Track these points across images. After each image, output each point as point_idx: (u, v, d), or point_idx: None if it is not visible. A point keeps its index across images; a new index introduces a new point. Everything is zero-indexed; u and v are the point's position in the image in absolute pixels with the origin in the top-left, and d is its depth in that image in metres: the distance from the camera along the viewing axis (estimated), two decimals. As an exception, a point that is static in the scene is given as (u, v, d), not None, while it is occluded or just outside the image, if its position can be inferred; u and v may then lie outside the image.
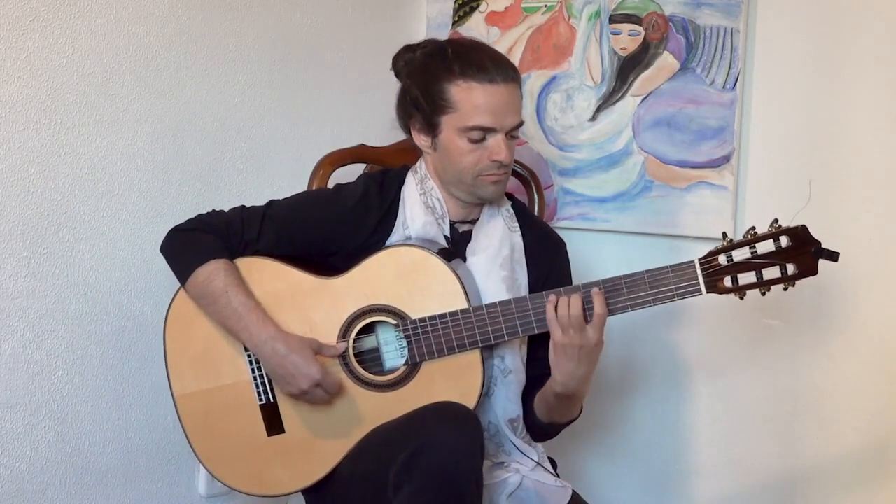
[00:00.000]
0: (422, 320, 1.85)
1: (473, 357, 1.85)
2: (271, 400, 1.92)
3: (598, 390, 2.43)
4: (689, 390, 2.43)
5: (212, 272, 1.87)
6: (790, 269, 1.76)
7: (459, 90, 1.84)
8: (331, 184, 2.10)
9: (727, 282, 1.78)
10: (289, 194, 2.02)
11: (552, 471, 1.97)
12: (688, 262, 1.79)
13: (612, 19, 2.42)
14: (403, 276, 1.86)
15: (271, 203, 1.97)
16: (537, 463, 1.94)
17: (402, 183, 1.97)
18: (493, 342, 1.85)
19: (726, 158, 2.29)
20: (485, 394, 1.88)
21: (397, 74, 1.97)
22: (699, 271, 1.78)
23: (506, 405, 1.92)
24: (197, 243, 1.91)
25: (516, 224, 1.99)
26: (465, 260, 1.93)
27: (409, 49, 1.96)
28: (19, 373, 1.99)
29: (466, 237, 1.96)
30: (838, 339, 2.23)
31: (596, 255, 2.46)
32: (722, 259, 1.77)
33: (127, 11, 2.09)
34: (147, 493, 2.22)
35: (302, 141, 2.44)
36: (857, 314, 2.20)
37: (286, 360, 1.83)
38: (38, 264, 2.00)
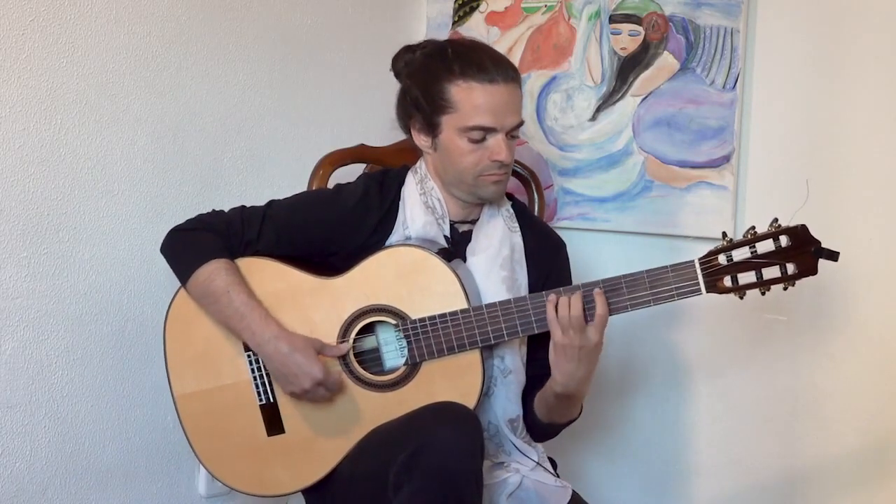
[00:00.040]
0: (422, 320, 1.84)
1: (473, 357, 1.85)
2: (271, 400, 1.92)
3: (598, 390, 2.43)
4: (689, 390, 2.43)
5: (213, 272, 1.87)
6: (790, 268, 1.76)
7: (460, 90, 1.84)
8: (331, 184, 2.10)
9: (727, 281, 1.78)
10: (289, 194, 2.02)
11: (552, 471, 1.97)
12: (688, 262, 1.79)
13: (612, 19, 2.42)
14: (403, 276, 1.86)
15: (271, 203, 1.97)
16: (537, 463, 1.94)
17: (402, 183, 1.97)
18: (492, 342, 1.85)
19: (726, 158, 2.29)
20: (485, 394, 1.88)
21: (397, 75, 1.97)
22: (699, 271, 1.78)
23: (506, 405, 1.92)
24: (197, 243, 1.91)
25: (516, 224, 1.99)
26: (465, 260, 1.93)
27: (408, 49, 1.96)
28: (19, 373, 1.99)
29: (466, 237, 1.96)
30: (838, 339, 2.23)
31: (596, 255, 2.46)
32: (722, 259, 1.77)
33: (127, 11, 2.09)
34: (147, 493, 2.22)
35: (302, 141, 2.44)
36: (857, 314, 2.20)
37: (289, 359, 1.83)
38: (38, 264, 2.00)
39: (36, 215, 1.98)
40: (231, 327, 1.88)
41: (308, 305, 1.89)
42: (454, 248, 1.93)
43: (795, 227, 1.74)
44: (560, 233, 2.10)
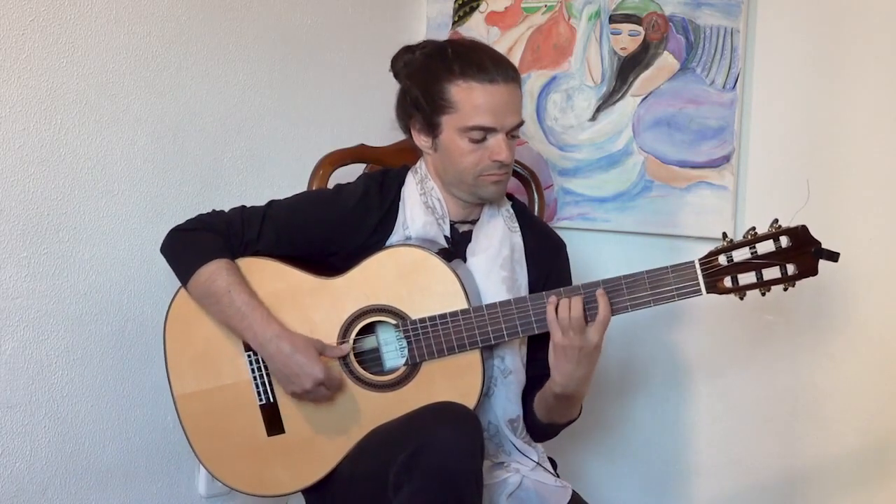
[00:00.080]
0: (422, 320, 1.84)
1: (473, 357, 1.85)
2: (271, 400, 1.92)
3: (598, 390, 2.43)
4: (689, 390, 2.43)
5: (214, 271, 1.87)
6: (790, 269, 1.76)
7: (460, 90, 1.84)
8: (331, 184, 2.10)
9: (727, 282, 1.78)
10: (289, 194, 2.02)
11: (552, 471, 1.97)
12: (688, 263, 1.79)
13: (612, 19, 2.42)
14: (403, 276, 1.86)
15: (271, 203, 1.97)
16: (537, 463, 1.94)
17: (402, 183, 1.97)
18: (493, 342, 1.85)
19: (726, 158, 2.29)
20: (485, 394, 1.88)
21: (396, 76, 1.97)
22: (699, 271, 1.78)
23: (506, 405, 1.92)
24: (198, 243, 1.91)
25: (516, 224, 1.99)
26: (465, 260, 1.93)
27: (408, 50, 1.96)
28: (19, 373, 1.99)
29: (466, 237, 1.96)
30: (838, 339, 2.23)
31: (596, 255, 2.46)
32: (722, 259, 1.77)
33: (127, 11, 2.09)
34: (147, 493, 2.22)
35: (302, 141, 2.44)
36: (857, 314, 2.20)
37: (291, 359, 1.83)
38: (38, 264, 2.00)
39: (36, 215, 1.98)
40: (232, 327, 1.88)
41: (308, 305, 1.89)
42: (454, 249, 1.93)
43: (796, 228, 1.74)
44: (560, 233, 2.10)
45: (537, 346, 1.91)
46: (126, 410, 2.16)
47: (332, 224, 1.93)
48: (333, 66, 2.51)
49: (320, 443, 1.91)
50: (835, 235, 1.82)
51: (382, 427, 1.85)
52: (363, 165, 2.26)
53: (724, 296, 1.79)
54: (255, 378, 1.92)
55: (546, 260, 2.00)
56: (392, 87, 1.98)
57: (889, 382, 2.18)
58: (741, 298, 1.79)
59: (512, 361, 1.91)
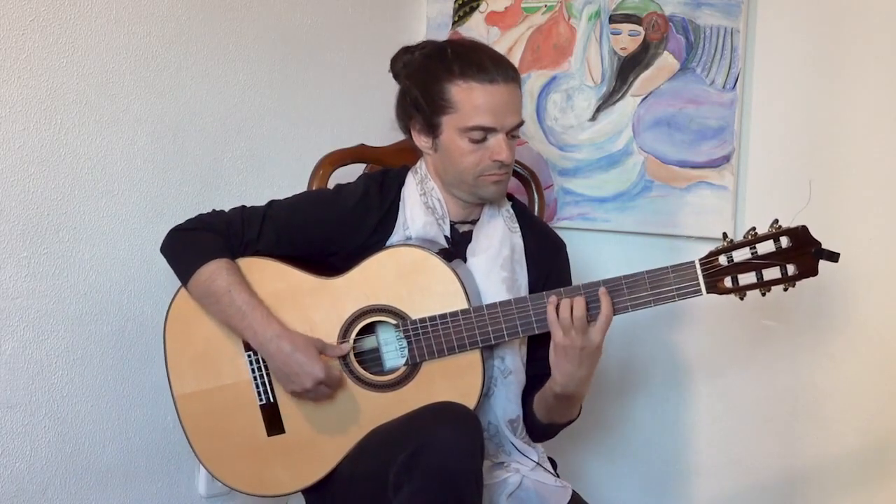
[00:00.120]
0: (422, 320, 1.84)
1: (474, 357, 1.85)
2: (271, 400, 1.92)
3: (598, 390, 2.43)
4: (689, 390, 2.43)
5: (214, 271, 1.87)
6: (790, 269, 1.76)
7: (460, 90, 1.84)
8: (331, 184, 2.10)
9: (727, 282, 1.78)
10: (289, 194, 2.02)
11: (552, 471, 1.97)
12: (688, 263, 1.79)
13: (612, 19, 2.42)
14: (404, 276, 1.86)
15: (272, 203, 1.97)
16: (537, 463, 1.94)
17: (402, 183, 1.97)
18: (493, 342, 1.85)
19: (726, 158, 2.29)
20: (484, 394, 1.88)
21: (396, 76, 1.97)
22: (699, 272, 1.78)
23: (506, 406, 1.92)
24: (198, 243, 1.91)
25: (516, 224, 1.99)
26: (465, 260, 1.93)
27: (407, 51, 1.96)
28: (19, 373, 1.99)
29: (467, 237, 1.96)
30: (838, 339, 2.23)
31: (596, 255, 2.46)
32: (722, 259, 1.77)
33: (127, 11, 2.09)
34: (147, 493, 2.22)
35: (302, 141, 2.44)
36: (857, 314, 2.20)
37: (291, 358, 1.83)
38: (38, 264, 2.00)
39: (36, 215, 1.98)
40: (233, 326, 1.88)
41: (308, 305, 1.89)
42: (454, 249, 1.93)
43: (796, 228, 1.74)
44: (560, 233, 2.10)
45: (537, 346, 1.91)
46: (126, 410, 2.16)
47: (333, 224, 1.93)
48: (333, 66, 2.51)
49: (320, 443, 1.91)
50: (835, 236, 1.82)
51: (382, 427, 1.85)
52: (363, 165, 2.26)
53: (724, 296, 1.79)
54: (255, 378, 1.92)
55: (546, 260, 2.00)
56: (392, 86, 1.98)
57: (889, 382, 2.18)
58: (741, 299, 1.79)
59: (512, 361, 1.91)
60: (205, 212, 1.97)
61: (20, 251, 1.97)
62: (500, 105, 1.84)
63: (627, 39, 2.40)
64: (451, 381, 1.86)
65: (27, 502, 2.01)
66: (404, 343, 1.87)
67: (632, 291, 1.80)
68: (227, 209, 1.97)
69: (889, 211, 2.16)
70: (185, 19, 2.20)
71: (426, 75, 1.88)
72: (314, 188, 2.17)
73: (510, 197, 2.04)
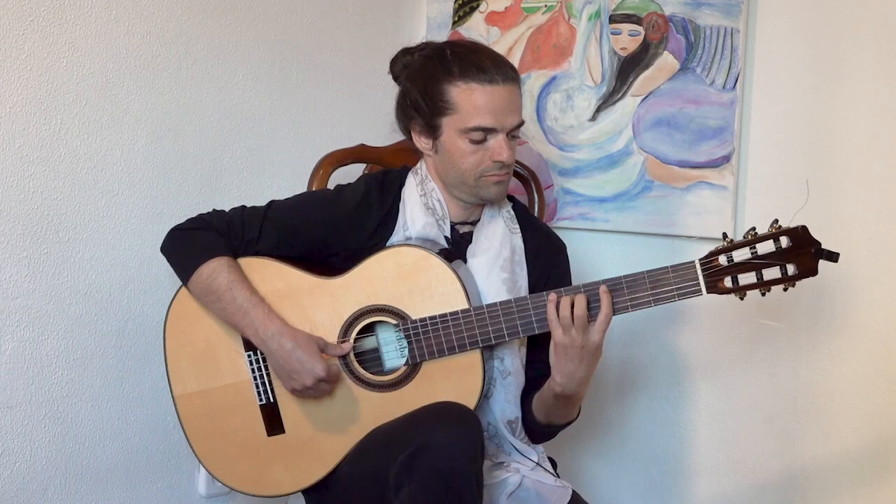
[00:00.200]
0: (422, 320, 1.85)
1: (474, 357, 1.85)
2: (271, 400, 1.92)
3: (598, 390, 2.44)
4: (689, 390, 2.43)
5: (215, 269, 1.87)
6: (790, 269, 1.76)
7: (459, 91, 1.84)
8: (331, 184, 2.10)
9: (727, 282, 1.78)
10: (289, 194, 2.02)
11: (552, 471, 1.97)
12: (688, 263, 1.79)
13: (612, 19, 2.42)
14: (404, 276, 1.86)
15: (272, 203, 1.97)
16: (537, 463, 1.94)
17: (402, 184, 1.97)
18: (493, 342, 1.85)
19: (726, 158, 2.29)
20: (484, 395, 1.88)
21: (396, 78, 1.97)
22: (699, 272, 1.78)
23: (504, 407, 1.92)
24: (199, 241, 1.91)
25: (517, 225, 1.99)
26: (465, 261, 1.93)
27: (406, 52, 1.96)
28: (19, 373, 1.99)
29: (467, 238, 1.96)
30: (838, 339, 2.23)
31: (596, 255, 2.46)
32: (722, 259, 1.77)
33: (127, 11, 2.09)
34: (147, 493, 2.22)
35: (302, 141, 2.44)
36: (857, 314, 2.20)
37: (292, 355, 1.83)
38: (38, 264, 2.00)
39: (36, 215, 1.98)
40: (234, 324, 1.88)
41: (308, 305, 1.89)
42: (454, 249, 1.93)
43: (796, 229, 1.75)
44: (560, 233, 2.10)
45: (536, 348, 1.91)
46: (126, 410, 2.16)
47: (333, 225, 1.93)
48: (333, 67, 2.51)
49: (320, 443, 1.91)
50: (835, 235, 1.82)
51: (382, 427, 1.85)
52: (363, 165, 2.26)
53: (724, 296, 1.79)
54: (255, 378, 1.92)
55: (546, 261, 2.00)
56: (392, 86, 1.98)
57: (889, 382, 2.18)
58: (741, 298, 1.79)
59: (511, 363, 1.91)
60: (205, 212, 1.97)
61: (20, 251, 1.97)
62: (500, 105, 1.84)
63: (627, 39, 2.40)
64: (452, 381, 1.86)
65: (27, 502, 2.01)
66: (404, 343, 1.87)
67: (632, 291, 1.80)
68: (227, 209, 1.97)
69: (889, 210, 2.16)
70: (185, 19, 2.20)
71: (426, 77, 1.88)
72: (314, 188, 2.17)
73: (511, 198, 2.04)
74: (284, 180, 2.38)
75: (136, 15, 2.10)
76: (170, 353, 1.96)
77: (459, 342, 1.84)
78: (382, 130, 2.14)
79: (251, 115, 2.35)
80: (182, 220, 1.96)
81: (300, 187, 2.19)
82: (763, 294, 1.78)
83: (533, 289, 1.95)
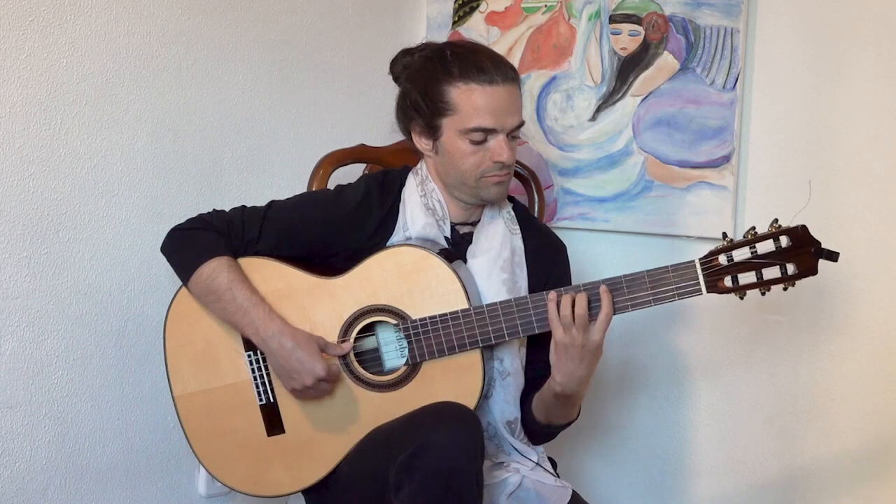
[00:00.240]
0: (422, 320, 1.84)
1: (474, 357, 1.85)
2: (271, 400, 1.92)
3: (598, 390, 2.44)
4: (690, 390, 2.43)
5: (215, 268, 1.87)
6: (790, 269, 1.76)
7: (459, 92, 1.84)
8: (331, 184, 2.10)
9: (727, 282, 1.78)
10: (289, 194, 2.02)
11: (552, 471, 1.97)
12: (688, 262, 1.79)
13: (612, 19, 2.42)
14: (404, 276, 1.86)
15: (272, 204, 1.97)
16: (537, 463, 1.94)
17: (402, 184, 1.97)
18: (493, 342, 1.84)
19: (726, 158, 2.29)
20: (483, 395, 1.88)
21: (396, 79, 1.97)
22: (699, 271, 1.78)
23: (503, 407, 1.92)
24: (199, 241, 1.91)
25: (517, 226, 1.99)
26: (465, 262, 1.92)
27: (406, 53, 1.96)
28: (19, 373, 1.99)
29: (467, 239, 1.96)
30: (838, 339, 2.23)
31: (596, 255, 2.46)
32: (722, 259, 1.77)
33: (127, 11, 2.09)
34: (147, 493, 2.22)
35: (302, 141, 2.44)
36: (857, 314, 2.20)
37: (292, 354, 1.83)
38: (38, 264, 2.00)
39: (36, 215, 1.98)
40: (234, 323, 1.88)
41: (308, 305, 1.89)
42: (455, 250, 1.93)
43: (796, 228, 1.74)
44: (560, 233, 2.10)
45: (536, 349, 1.91)
46: (126, 410, 2.16)
47: (333, 225, 1.93)
48: (333, 66, 2.51)
49: (320, 443, 1.91)
50: (835, 235, 1.82)
51: (382, 427, 1.85)
52: (363, 165, 2.26)
53: (724, 295, 1.79)
54: (255, 378, 1.92)
55: (547, 262, 2.00)
56: (392, 86, 1.98)
57: (889, 382, 2.18)
58: (741, 298, 1.79)
59: (511, 363, 1.91)
60: (205, 212, 1.97)
61: (20, 251, 1.97)
62: (500, 106, 1.84)
63: (627, 39, 2.40)
64: (452, 380, 1.86)
65: (27, 502, 2.01)
66: (404, 343, 1.87)
67: (632, 291, 1.80)
68: (227, 209, 1.97)
69: (889, 210, 2.16)
70: (185, 19, 2.20)
71: (426, 78, 1.88)
72: (314, 188, 2.17)
73: (511, 198, 2.04)
74: (284, 180, 2.38)
75: (136, 15, 2.10)
76: (170, 353, 1.96)
77: (459, 342, 1.84)
78: (382, 130, 2.14)
79: (251, 115, 2.35)
80: (182, 220, 1.96)
81: (300, 187, 2.18)
82: (763, 294, 1.78)
83: (533, 290, 1.95)
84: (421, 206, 1.93)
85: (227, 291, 1.86)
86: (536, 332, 1.83)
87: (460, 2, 2.63)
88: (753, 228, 1.76)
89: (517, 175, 2.29)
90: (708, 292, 1.78)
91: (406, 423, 1.80)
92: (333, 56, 2.51)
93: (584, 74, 2.46)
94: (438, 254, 1.86)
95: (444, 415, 1.76)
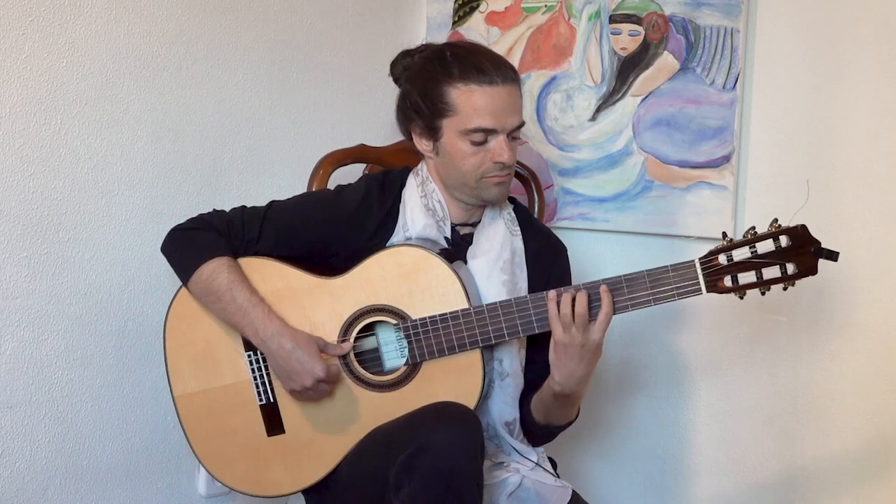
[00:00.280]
0: (422, 320, 1.84)
1: (474, 357, 1.85)
2: (271, 400, 1.92)
3: (598, 390, 2.44)
4: (690, 390, 2.43)
5: (215, 269, 1.87)
6: (790, 268, 1.76)
7: (459, 93, 1.84)
8: (331, 184, 2.10)
9: (727, 281, 1.78)
10: (289, 194, 2.02)
11: (552, 471, 1.97)
12: (688, 262, 1.79)
13: (612, 19, 2.42)
14: (404, 276, 1.86)
15: (272, 204, 1.97)
16: (536, 463, 1.94)
17: (403, 185, 1.97)
18: (493, 342, 1.85)
19: (726, 158, 2.29)
20: (483, 396, 1.87)
21: (396, 80, 1.97)
22: (699, 271, 1.78)
23: (502, 408, 1.92)
24: (199, 241, 1.91)
25: (517, 227, 1.98)
26: (465, 262, 1.92)
27: (406, 54, 1.96)
28: (19, 373, 1.99)
29: (467, 240, 1.96)
30: (838, 339, 2.23)
31: (596, 255, 2.46)
32: (722, 259, 1.77)
33: (127, 11, 2.09)
34: (147, 493, 2.22)
35: (302, 141, 2.44)
36: (857, 314, 2.20)
37: (292, 355, 1.83)
38: (38, 264, 2.00)
39: (36, 215, 1.98)
40: (234, 324, 1.88)
41: (308, 305, 1.89)
42: (455, 251, 1.93)
43: (795, 228, 1.75)
44: (560, 233, 2.10)
45: (536, 349, 1.91)
46: (126, 410, 2.16)
47: (333, 225, 1.93)
48: (333, 67, 2.51)
49: (320, 443, 1.91)
50: (834, 235, 1.82)
51: (382, 427, 1.85)
52: (363, 165, 2.26)
53: (723, 295, 1.79)
54: (255, 378, 1.92)
55: (547, 263, 2.00)
56: (392, 86, 1.98)
57: (889, 382, 2.18)
58: (741, 298, 1.79)
59: (510, 364, 1.91)
60: (205, 212, 1.97)
61: (20, 251, 1.97)
62: (501, 106, 1.84)
63: (627, 39, 2.40)
64: (452, 380, 1.86)
65: (27, 502, 2.01)
66: (404, 343, 1.87)
67: (631, 290, 1.80)
68: (227, 209, 1.97)
69: (889, 210, 2.16)
70: (185, 19, 2.20)
71: (426, 79, 1.88)
72: (314, 188, 2.17)
73: (512, 199, 2.04)
74: (284, 180, 2.38)
75: (136, 15, 2.10)
76: (170, 354, 1.96)
77: (459, 342, 1.84)
78: (382, 130, 2.15)
79: (251, 115, 2.35)
80: (182, 220, 1.96)
81: (300, 187, 2.19)
82: (763, 293, 1.78)
83: (533, 291, 1.95)
84: (421, 207, 1.93)
85: (226, 292, 1.86)
86: (536, 331, 1.83)
87: (460, 2, 2.63)
88: (753, 228, 1.76)
89: (517, 175, 2.29)
90: (708, 292, 1.78)
91: (406, 423, 1.80)
92: (333, 56, 2.51)
93: (584, 74, 2.46)
94: (438, 254, 1.86)
95: (444, 415, 1.76)
